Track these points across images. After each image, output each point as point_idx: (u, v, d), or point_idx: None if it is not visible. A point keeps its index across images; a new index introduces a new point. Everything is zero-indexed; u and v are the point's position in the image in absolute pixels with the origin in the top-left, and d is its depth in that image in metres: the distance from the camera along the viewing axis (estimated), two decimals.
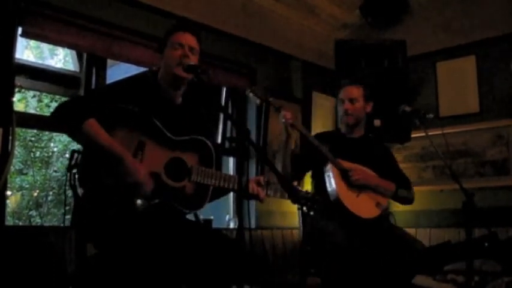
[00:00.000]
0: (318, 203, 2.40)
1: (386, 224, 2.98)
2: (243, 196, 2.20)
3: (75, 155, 2.03)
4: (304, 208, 2.37)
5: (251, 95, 2.82)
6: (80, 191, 1.98)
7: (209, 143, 2.25)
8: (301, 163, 3.03)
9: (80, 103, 2.11)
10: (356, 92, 3.08)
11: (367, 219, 2.86)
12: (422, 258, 2.70)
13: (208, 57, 3.81)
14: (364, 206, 2.90)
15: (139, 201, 2.03)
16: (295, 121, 2.88)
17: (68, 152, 6.04)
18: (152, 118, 2.12)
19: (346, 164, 2.93)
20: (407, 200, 3.07)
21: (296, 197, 2.34)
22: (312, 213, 2.40)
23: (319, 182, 3.01)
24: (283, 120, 2.82)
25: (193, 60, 2.22)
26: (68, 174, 2.02)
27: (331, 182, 2.89)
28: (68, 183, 2.03)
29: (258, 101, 2.85)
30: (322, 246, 2.78)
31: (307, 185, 3.28)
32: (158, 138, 2.13)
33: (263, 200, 2.30)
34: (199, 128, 2.32)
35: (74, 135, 2.09)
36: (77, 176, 1.99)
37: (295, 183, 2.92)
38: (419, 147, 4.54)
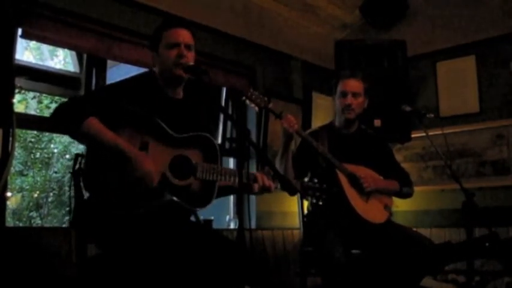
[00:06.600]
0: (326, 192, 2.39)
1: (392, 225, 2.91)
2: (251, 192, 2.21)
3: (79, 158, 2.02)
4: (313, 199, 2.37)
5: (247, 101, 2.62)
6: (85, 193, 1.98)
7: (213, 139, 2.24)
8: (300, 165, 2.92)
9: (79, 103, 2.09)
10: (359, 85, 2.94)
11: (377, 224, 2.80)
12: (425, 258, 2.67)
13: (209, 58, 3.82)
14: (375, 211, 2.84)
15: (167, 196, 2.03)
16: (300, 129, 2.76)
17: (68, 153, 6.04)
18: (154, 117, 2.11)
19: (351, 168, 2.85)
20: (409, 196, 3.04)
21: (303, 190, 2.36)
22: (320, 203, 2.39)
23: None
24: (287, 127, 2.67)
25: (190, 56, 2.21)
26: (72, 177, 2.01)
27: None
28: (71, 184, 2.02)
29: (256, 108, 2.65)
30: (321, 249, 2.70)
31: None
32: (161, 137, 2.11)
33: (272, 191, 2.29)
34: (201, 123, 2.31)
35: (75, 136, 2.07)
36: (81, 181, 1.98)
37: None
38: (419, 147, 4.54)
